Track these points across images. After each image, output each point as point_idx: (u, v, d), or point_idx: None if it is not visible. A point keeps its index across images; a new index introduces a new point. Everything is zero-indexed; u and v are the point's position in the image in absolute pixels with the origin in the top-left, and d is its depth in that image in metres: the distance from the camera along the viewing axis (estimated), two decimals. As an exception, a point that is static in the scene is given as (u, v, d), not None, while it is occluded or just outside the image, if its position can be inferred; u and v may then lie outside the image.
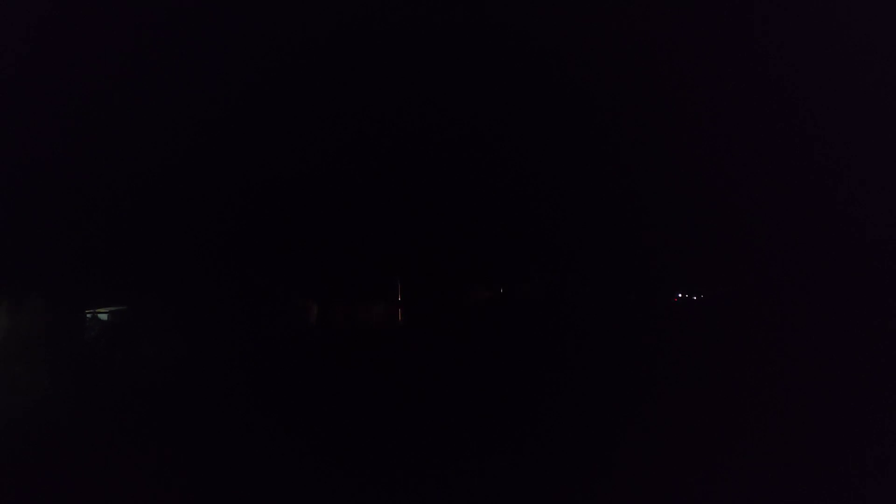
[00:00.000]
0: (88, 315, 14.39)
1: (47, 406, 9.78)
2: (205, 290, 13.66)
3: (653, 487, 5.27)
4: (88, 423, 8.71)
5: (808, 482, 5.19)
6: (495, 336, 14.60)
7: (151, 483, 6.28)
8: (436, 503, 5.22)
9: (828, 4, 7.76)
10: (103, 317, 14.35)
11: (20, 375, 11.27)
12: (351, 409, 8.05)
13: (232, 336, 14.16)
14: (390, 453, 6.46)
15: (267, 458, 6.48)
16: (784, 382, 7.19)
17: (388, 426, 7.35)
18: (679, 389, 7.93)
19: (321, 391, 8.84)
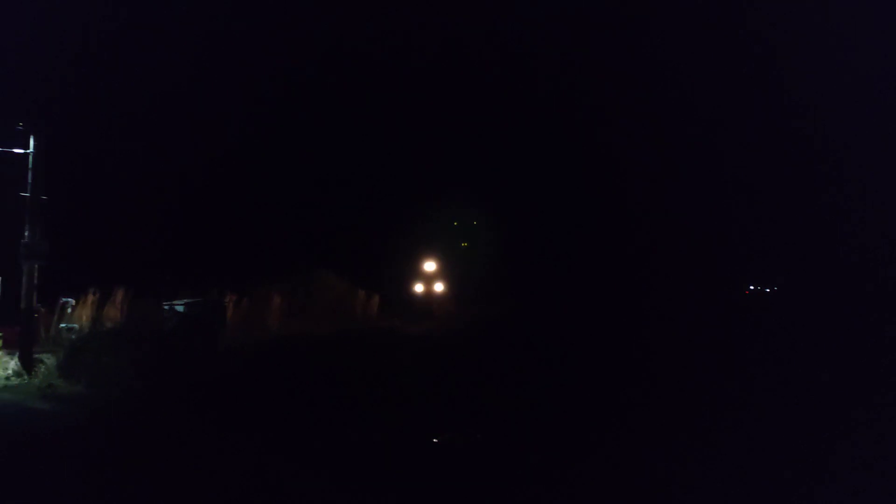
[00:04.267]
0: (166, 307, 15.67)
1: (135, 389, 10.90)
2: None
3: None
4: (172, 400, 9.74)
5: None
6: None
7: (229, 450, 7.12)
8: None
9: None
10: (180, 308, 15.56)
11: (109, 362, 12.50)
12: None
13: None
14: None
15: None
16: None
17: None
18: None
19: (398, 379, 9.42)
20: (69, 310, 18.00)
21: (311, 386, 9.14)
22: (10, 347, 15.63)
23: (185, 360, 12.92)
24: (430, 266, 29.98)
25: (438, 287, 29.75)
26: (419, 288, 29.94)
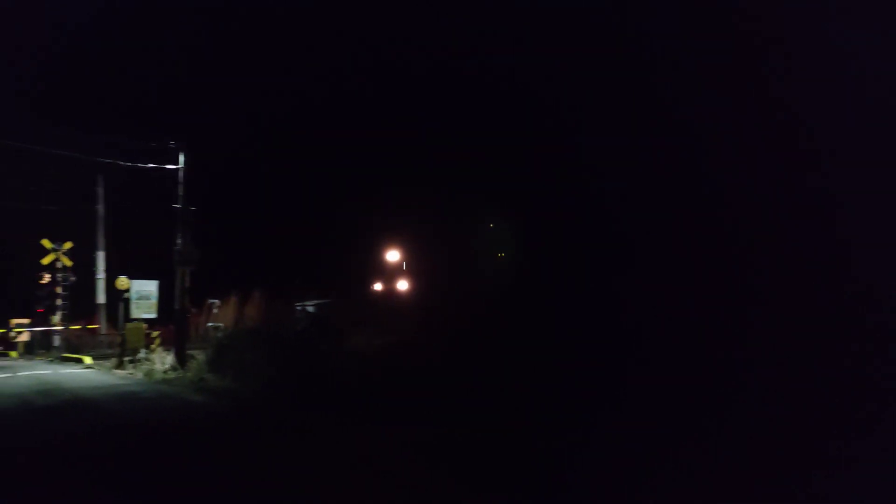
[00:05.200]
0: (298, 307, 16.65)
1: (274, 383, 11.63)
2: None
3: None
4: (306, 394, 10.30)
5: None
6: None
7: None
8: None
9: None
10: (310, 309, 16.46)
11: (250, 359, 13.41)
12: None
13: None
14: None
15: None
16: None
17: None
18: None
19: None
20: (215, 310, 19.66)
21: (435, 381, 9.29)
22: (167, 344, 17.34)
23: (317, 357, 13.63)
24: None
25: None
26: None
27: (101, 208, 22.96)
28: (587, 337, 8.79)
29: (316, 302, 17.64)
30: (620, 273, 9.22)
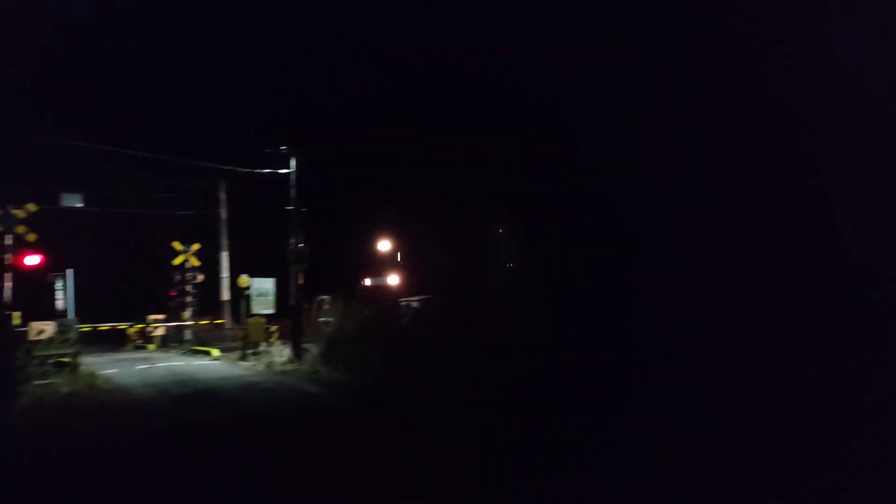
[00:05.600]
0: (403, 303, 17.19)
1: (382, 376, 12.11)
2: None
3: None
4: (412, 386, 10.65)
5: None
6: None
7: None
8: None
9: None
10: (415, 304, 16.93)
11: (360, 352, 14.03)
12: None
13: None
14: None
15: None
16: None
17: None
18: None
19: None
20: (326, 306, 20.68)
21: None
22: (283, 338, 18.48)
23: (422, 352, 14.05)
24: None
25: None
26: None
27: (223, 212, 24.79)
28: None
29: (419, 297, 18.11)
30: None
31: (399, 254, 27.07)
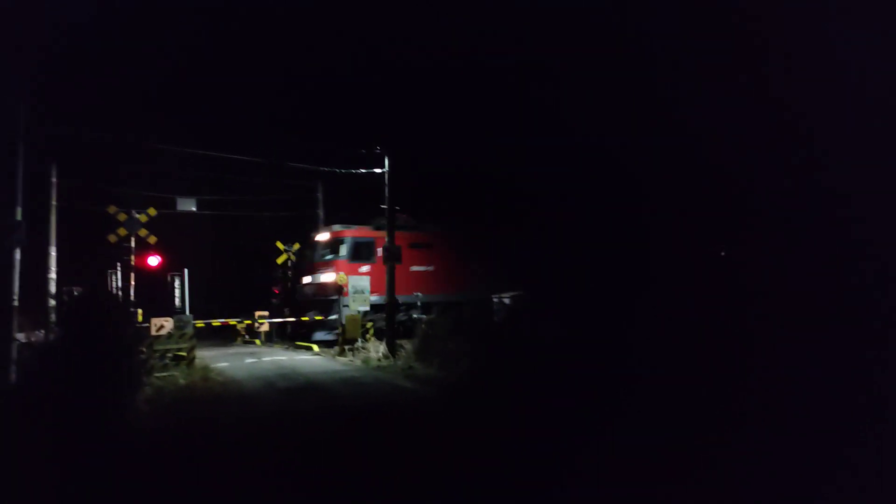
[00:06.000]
0: (496, 299, 17.18)
1: (476, 373, 12.17)
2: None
3: None
4: (506, 385, 10.62)
5: None
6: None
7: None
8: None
9: None
10: (507, 300, 16.87)
11: (453, 349, 14.15)
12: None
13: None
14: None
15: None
16: None
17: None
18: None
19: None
20: (418, 302, 21.04)
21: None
22: (378, 334, 18.98)
23: (515, 349, 13.98)
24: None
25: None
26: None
27: (321, 212, 25.79)
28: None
29: (512, 294, 18.02)
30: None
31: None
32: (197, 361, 15.40)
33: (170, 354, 14.60)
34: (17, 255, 11.83)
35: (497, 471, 6.41)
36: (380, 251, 20.98)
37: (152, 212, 15.09)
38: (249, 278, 29.69)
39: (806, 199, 7.49)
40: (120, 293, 16.01)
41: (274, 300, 26.36)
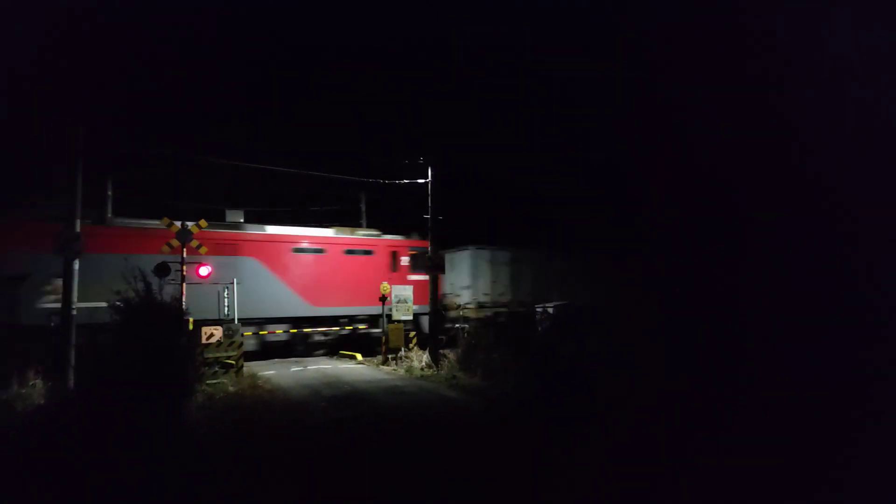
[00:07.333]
0: (539, 309, 17.04)
1: (521, 384, 12.08)
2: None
3: None
4: (550, 398, 10.52)
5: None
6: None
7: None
8: None
9: None
10: (550, 310, 16.72)
11: (497, 359, 14.09)
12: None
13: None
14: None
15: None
16: None
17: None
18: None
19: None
20: (462, 312, 21.04)
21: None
22: (421, 344, 19.04)
23: (559, 360, 13.84)
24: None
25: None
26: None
27: (363, 223, 26.09)
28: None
29: (556, 303, 17.86)
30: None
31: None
32: (245, 369, 15.73)
33: (219, 362, 14.94)
34: (76, 265, 12.32)
35: (553, 490, 6.35)
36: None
37: (203, 224, 15.53)
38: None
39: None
40: (174, 301, 16.48)
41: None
